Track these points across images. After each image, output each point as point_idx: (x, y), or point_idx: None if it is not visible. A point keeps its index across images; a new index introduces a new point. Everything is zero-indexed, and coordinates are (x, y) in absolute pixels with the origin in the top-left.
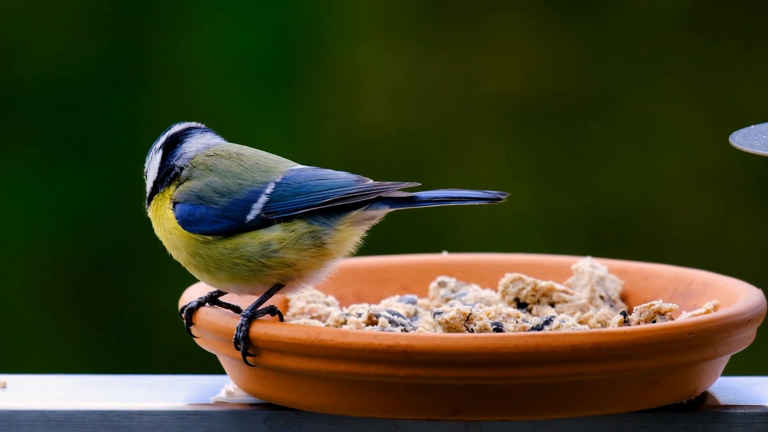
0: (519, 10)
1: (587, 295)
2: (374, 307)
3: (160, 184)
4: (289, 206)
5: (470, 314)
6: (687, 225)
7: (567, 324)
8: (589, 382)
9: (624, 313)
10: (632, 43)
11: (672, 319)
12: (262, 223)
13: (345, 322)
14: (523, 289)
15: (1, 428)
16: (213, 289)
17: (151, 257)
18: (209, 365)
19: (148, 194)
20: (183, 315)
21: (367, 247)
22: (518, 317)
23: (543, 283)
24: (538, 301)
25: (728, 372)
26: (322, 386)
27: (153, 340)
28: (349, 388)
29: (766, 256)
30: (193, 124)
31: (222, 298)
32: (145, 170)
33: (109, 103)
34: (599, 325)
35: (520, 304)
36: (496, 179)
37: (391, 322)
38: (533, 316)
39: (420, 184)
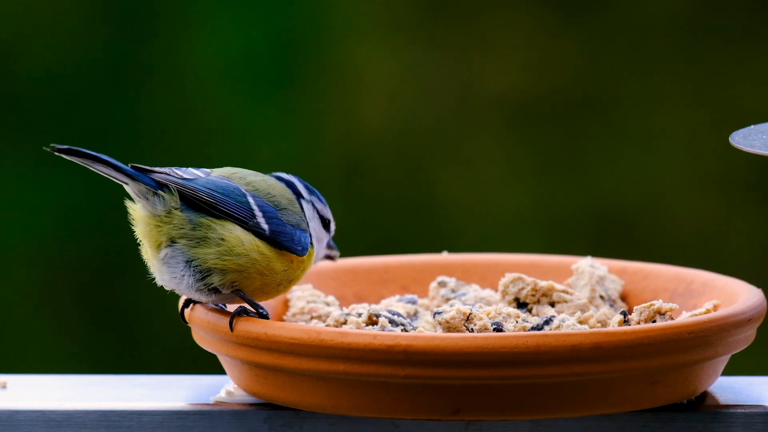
0: (519, 10)
1: (587, 295)
2: (374, 307)
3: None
4: None
5: (470, 314)
6: (687, 225)
7: (567, 324)
8: (589, 382)
9: (624, 313)
10: (632, 42)
11: (672, 318)
12: None
13: (345, 322)
14: (523, 289)
15: (1, 428)
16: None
17: None
18: (209, 365)
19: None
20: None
21: (368, 247)
22: (518, 317)
23: (543, 283)
24: (538, 301)
25: (728, 372)
26: (322, 386)
27: (153, 340)
28: (349, 388)
29: (766, 256)
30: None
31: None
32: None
33: (109, 103)
34: (599, 325)
35: (520, 304)
36: (496, 179)
37: (391, 322)
38: (533, 316)
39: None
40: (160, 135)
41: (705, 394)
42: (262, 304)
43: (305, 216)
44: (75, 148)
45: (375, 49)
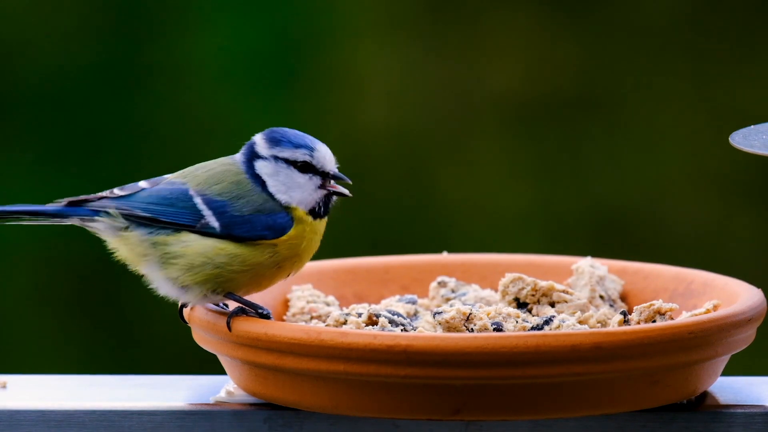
0: (519, 10)
1: (587, 295)
2: (374, 307)
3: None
4: None
5: (470, 314)
6: (687, 225)
7: (567, 324)
8: (589, 382)
9: (624, 313)
10: (632, 42)
11: (672, 318)
12: None
13: (345, 322)
14: (523, 289)
15: (1, 428)
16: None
17: None
18: (209, 365)
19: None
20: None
21: (368, 247)
22: (518, 317)
23: (543, 283)
24: (538, 301)
25: (728, 372)
26: (322, 386)
27: (153, 340)
28: (349, 388)
29: (766, 256)
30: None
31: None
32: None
33: (109, 103)
34: (599, 325)
35: (520, 304)
36: (495, 179)
37: (391, 322)
38: (533, 316)
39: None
40: (160, 135)
41: (705, 394)
42: (265, 295)
43: (266, 184)
44: None
45: (375, 49)
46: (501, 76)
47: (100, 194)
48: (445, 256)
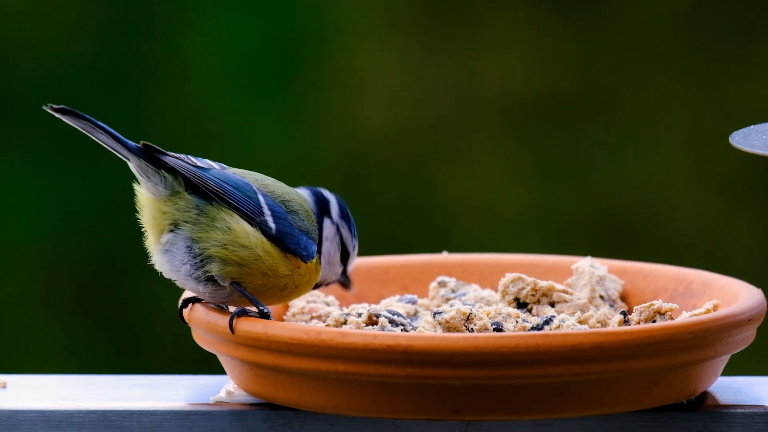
0: (519, 10)
1: (587, 295)
2: (374, 307)
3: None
4: None
5: (470, 314)
6: (687, 225)
7: (567, 324)
8: (589, 382)
9: (624, 313)
10: (632, 42)
11: (672, 318)
12: None
13: (345, 322)
14: (523, 289)
15: (1, 428)
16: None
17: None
18: (209, 365)
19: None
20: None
21: (367, 247)
22: (518, 317)
23: (543, 283)
24: (538, 301)
25: (728, 372)
26: (322, 386)
27: (153, 340)
28: (349, 388)
29: (766, 256)
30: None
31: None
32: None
33: (109, 103)
34: (599, 325)
35: (520, 304)
36: (496, 179)
37: (391, 322)
38: (533, 316)
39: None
40: (160, 135)
41: (705, 394)
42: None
43: (320, 231)
44: (72, 109)
45: (375, 49)
46: (501, 76)
47: (173, 154)
48: (445, 256)
